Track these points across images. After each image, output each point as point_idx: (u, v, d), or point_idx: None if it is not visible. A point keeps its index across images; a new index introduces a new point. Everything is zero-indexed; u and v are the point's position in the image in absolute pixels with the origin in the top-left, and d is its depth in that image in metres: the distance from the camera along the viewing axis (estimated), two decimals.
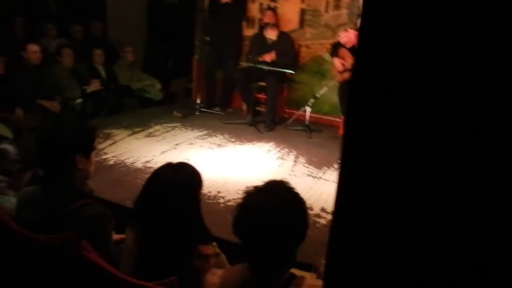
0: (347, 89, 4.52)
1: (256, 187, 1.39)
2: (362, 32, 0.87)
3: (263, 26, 4.78)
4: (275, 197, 1.33)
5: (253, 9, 5.20)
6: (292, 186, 1.43)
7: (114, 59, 5.56)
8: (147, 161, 3.43)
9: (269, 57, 4.67)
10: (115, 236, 1.91)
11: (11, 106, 4.02)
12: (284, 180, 1.46)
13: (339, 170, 0.93)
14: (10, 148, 2.08)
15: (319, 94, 4.73)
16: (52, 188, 1.72)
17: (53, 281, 1.59)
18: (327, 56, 4.91)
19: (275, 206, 1.31)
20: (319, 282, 1.44)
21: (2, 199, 1.94)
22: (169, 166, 1.63)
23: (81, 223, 1.62)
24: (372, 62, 0.85)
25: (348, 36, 3.41)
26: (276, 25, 4.78)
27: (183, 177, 1.58)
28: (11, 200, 1.94)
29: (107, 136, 3.97)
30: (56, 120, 1.73)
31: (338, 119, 4.82)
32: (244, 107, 5.18)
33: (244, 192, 1.40)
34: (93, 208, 1.68)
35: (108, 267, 1.46)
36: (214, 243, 1.64)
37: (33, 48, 4.36)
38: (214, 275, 1.39)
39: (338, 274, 0.94)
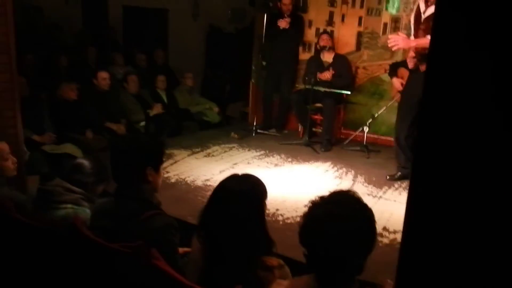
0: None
1: (322, 197, 1.38)
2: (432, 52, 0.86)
3: (319, 50, 4.83)
4: (342, 207, 1.32)
5: (310, 34, 5.28)
6: (359, 196, 1.41)
7: (175, 84, 5.84)
8: (206, 180, 3.52)
9: (326, 75, 4.69)
10: (179, 250, 1.96)
11: (82, 128, 4.32)
12: (351, 190, 1.45)
13: (409, 189, 0.92)
14: (85, 162, 2.24)
15: (377, 113, 4.66)
16: (124, 199, 1.81)
17: None
18: (385, 76, 4.85)
19: (342, 215, 1.29)
20: None
21: (78, 210, 2.08)
22: (235, 177, 1.67)
23: (150, 232, 1.68)
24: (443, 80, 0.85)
25: (396, 39, 3.34)
26: (332, 48, 4.81)
27: (249, 187, 1.61)
28: (86, 211, 2.07)
29: (168, 156, 4.12)
30: (129, 135, 1.84)
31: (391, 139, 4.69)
32: (300, 128, 5.20)
33: (310, 202, 1.39)
34: (162, 218, 1.75)
35: (177, 275, 1.50)
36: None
37: (104, 75, 4.68)
38: (280, 286, 1.38)
39: None
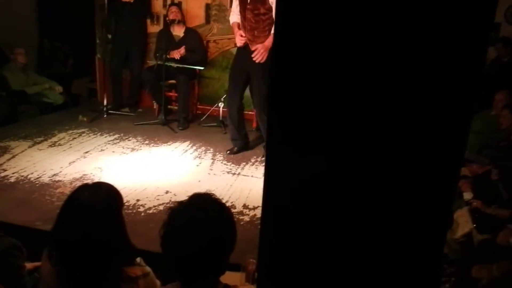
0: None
1: (181, 203, 1.37)
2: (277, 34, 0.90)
3: (169, 23, 4.66)
4: (202, 211, 1.33)
5: (157, 5, 5.05)
6: (217, 198, 1.43)
7: (3, 62, 5.03)
8: (54, 174, 3.18)
9: (177, 54, 4.59)
10: (28, 265, 1.76)
11: None
12: (209, 192, 1.46)
13: (264, 170, 0.96)
14: None
15: None
16: None
17: None
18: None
19: (202, 220, 1.30)
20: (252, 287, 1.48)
21: None
22: (85, 187, 1.53)
23: None
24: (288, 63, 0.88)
25: (261, 52, 3.52)
26: (182, 21, 4.69)
27: (103, 197, 1.50)
28: None
29: (4, 150, 3.59)
30: None
31: (251, 112, 4.91)
32: (155, 106, 5.04)
33: (169, 209, 1.37)
34: (1, 241, 1.53)
35: None
36: (139, 258, 1.59)
37: None
38: None
39: (270, 275, 0.97)
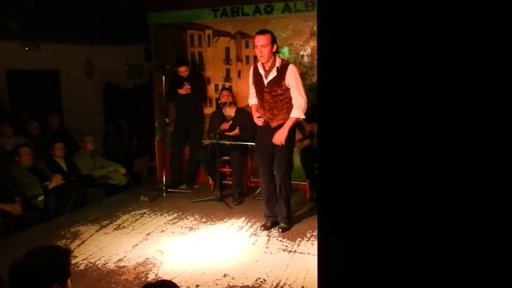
0: (307, 155, 4.71)
1: None
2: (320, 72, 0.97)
3: (221, 106, 4.98)
4: None
5: (209, 90, 5.44)
6: None
7: (74, 149, 5.52)
8: (119, 260, 3.34)
9: (227, 125, 4.85)
10: None
11: None
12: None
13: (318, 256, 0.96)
14: None
15: None
16: None
17: None
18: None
19: None
20: None
21: None
22: (150, 287, 1.63)
23: None
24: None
25: (278, 141, 3.67)
26: (233, 102, 4.99)
27: None
28: None
29: (75, 236, 3.86)
30: (27, 253, 1.65)
31: (304, 183, 4.95)
32: (211, 181, 5.24)
33: None
34: None
35: None
36: None
37: None
38: None
39: None
